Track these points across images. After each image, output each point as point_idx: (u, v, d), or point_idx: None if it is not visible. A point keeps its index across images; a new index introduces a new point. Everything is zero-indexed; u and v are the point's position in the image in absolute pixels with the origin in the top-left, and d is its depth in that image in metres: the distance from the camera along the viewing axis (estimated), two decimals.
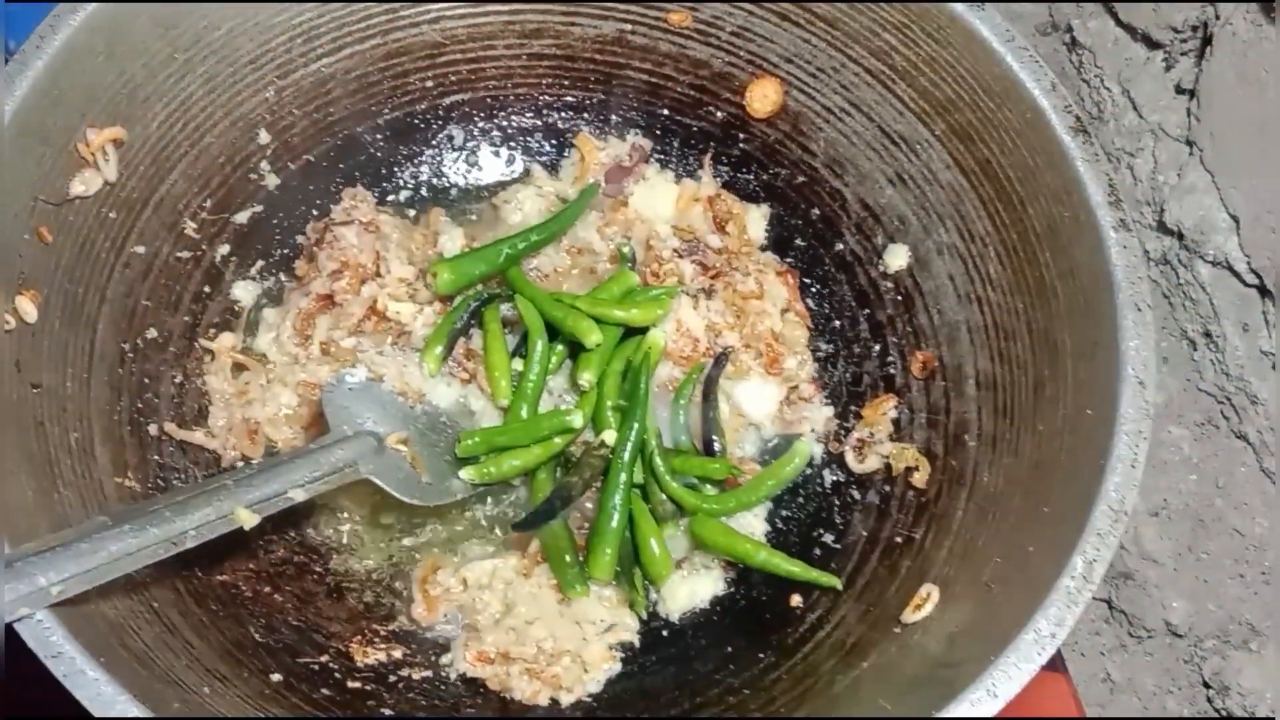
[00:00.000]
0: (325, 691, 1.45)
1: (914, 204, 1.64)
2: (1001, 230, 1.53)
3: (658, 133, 1.82)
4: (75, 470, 1.42)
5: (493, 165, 1.85)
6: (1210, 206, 1.77)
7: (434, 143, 1.82)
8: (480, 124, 1.83)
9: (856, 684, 1.39)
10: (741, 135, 1.78)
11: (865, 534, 1.59)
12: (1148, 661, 1.95)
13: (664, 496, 1.59)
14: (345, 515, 1.65)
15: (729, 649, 1.55)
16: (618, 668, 1.55)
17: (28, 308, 1.40)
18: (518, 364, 1.64)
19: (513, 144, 1.85)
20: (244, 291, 1.70)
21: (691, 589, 1.60)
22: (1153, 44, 1.93)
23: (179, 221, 1.61)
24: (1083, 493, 1.31)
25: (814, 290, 1.76)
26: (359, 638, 1.54)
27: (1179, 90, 1.89)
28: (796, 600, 1.56)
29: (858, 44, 1.62)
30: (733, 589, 1.62)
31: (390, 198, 1.81)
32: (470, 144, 1.84)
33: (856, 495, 1.64)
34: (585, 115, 1.83)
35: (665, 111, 1.80)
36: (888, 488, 1.61)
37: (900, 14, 1.57)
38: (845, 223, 1.71)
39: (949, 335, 1.61)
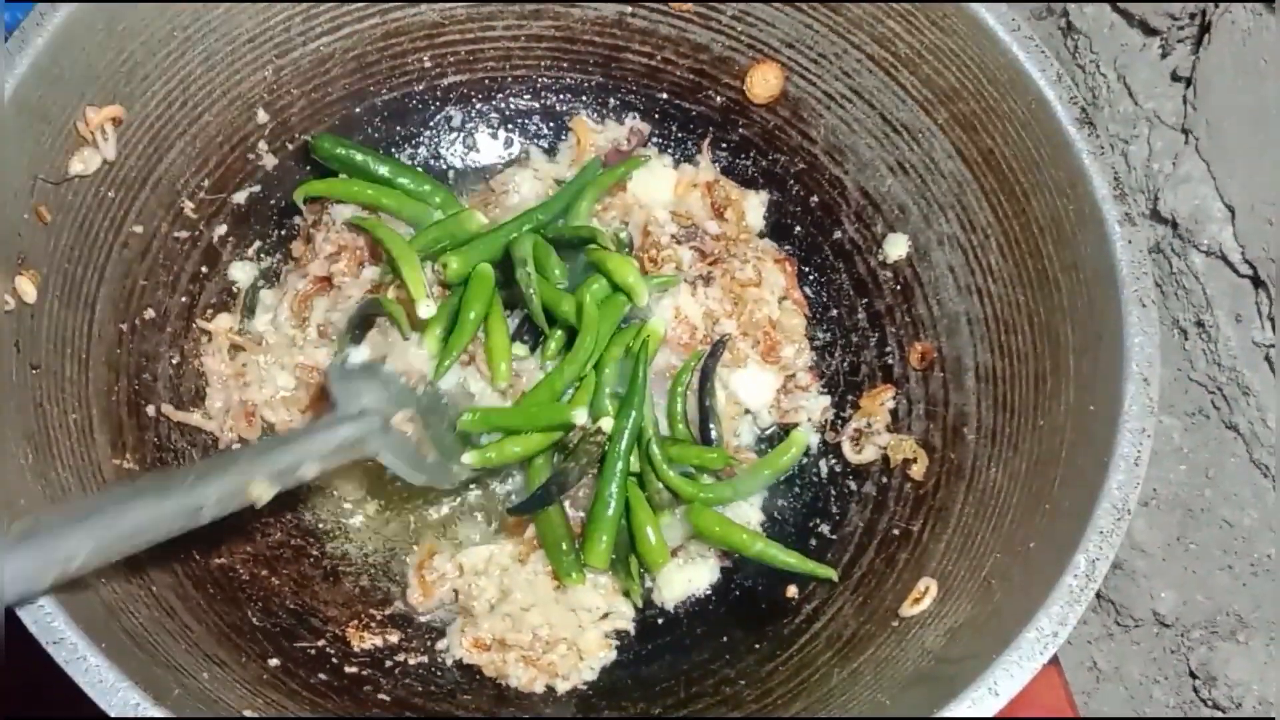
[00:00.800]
0: (322, 676, 1.45)
1: (915, 193, 1.63)
2: (1004, 221, 1.53)
3: (656, 116, 1.81)
4: (74, 451, 1.41)
5: (490, 147, 1.85)
6: (1205, 195, 1.77)
7: (431, 124, 1.81)
8: (478, 105, 1.82)
9: (854, 678, 1.39)
10: (741, 120, 1.77)
11: (862, 525, 1.59)
12: (1135, 651, 1.96)
13: (660, 485, 1.58)
14: (340, 498, 1.64)
15: (724, 639, 1.56)
16: (613, 656, 1.56)
17: (27, 288, 1.39)
18: (519, 349, 1.63)
19: (510, 126, 1.84)
20: (241, 272, 1.70)
21: (687, 578, 1.60)
22: (1150, 30, 1.92)
23: (177, 201, 1.61)
24: (1085, 490, 1.31)
25: (812, 279, 1.76)
26: (355, 622, 1.54)
27: (1175, 78, 1.89)
28: (792, 591, 1.56)
29: (861, 30, 1.61)
30: (728, 578, 1.62)
31: None
32: (468, 125, 1.83)
33: (853, 486, 1.64)
34: (584, 98, 1.82)
35: (664, 95, 1.79)
36: (885, 479, 1.61)
37: (905, 1, 1.56)
38: (845, 211, 1.71)
39: (948, 327, 1.60)
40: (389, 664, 1.51)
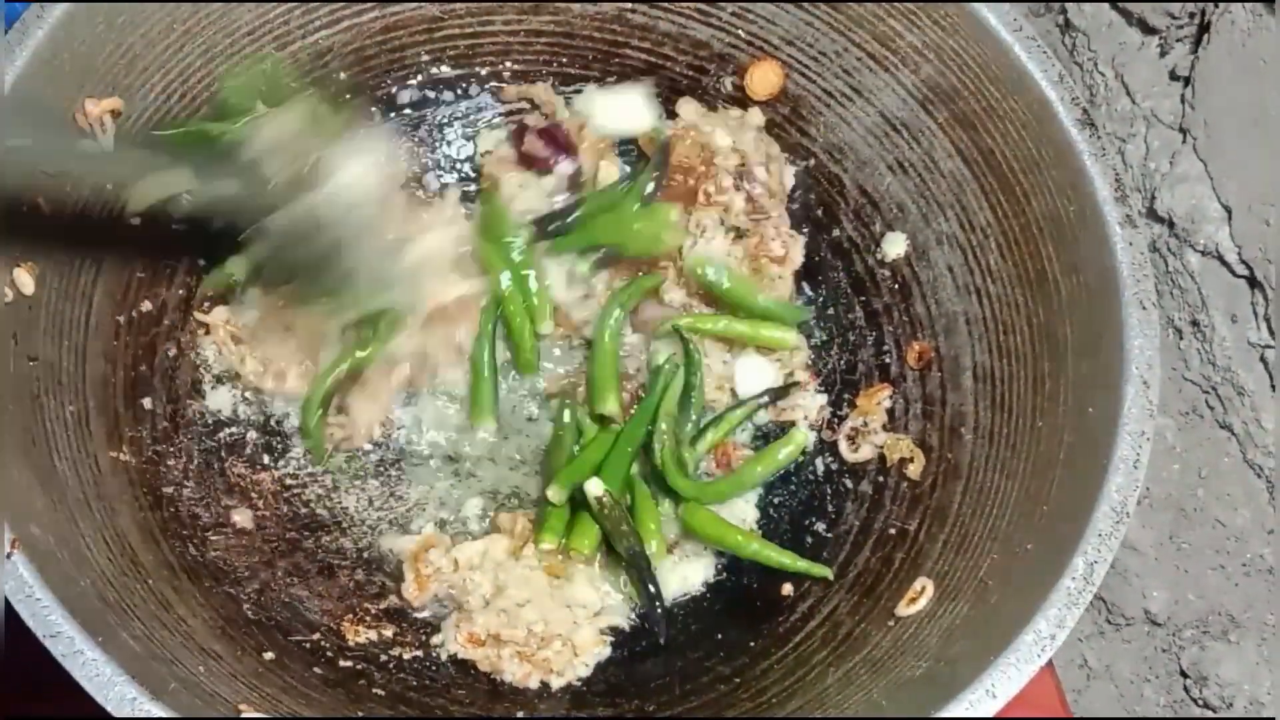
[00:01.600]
0: (317, 670, 1.45)
1: (914, 192, 1.63)
2: (1003, 222, 1.53)
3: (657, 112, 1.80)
4: (70, 443, 1.41)
5: (489, 140, 1.83)
6: (1202, 195, 1.77)
7: (430, 117, 1.80)
8: (477, 99, 1.81)
9: (849, 677, 1.39)
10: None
11: (858, 524, 1.59)
12: (1126, 649, 1.96)
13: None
14: (335, 485, 1.65)
15: (719, 636, 1.55)
16: (608, 652, 1.55)
17: (25, 280, 1.39)
18: None
19: (510, 120, 1.83)
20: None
21: (682, 575, 1.60)
22: (1149, 29, 1.92)
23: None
24: (1083, 492, 1.31)
25: (809, 276, 1.75)
26: (350, 616, 1.54)
27: (1174, 77, 1.89)
28: (788, 589, 1.56)
29: (861, 28, 1.61)
30: (723, 575, 1.62)
31: None
32: (467, 120, 1.82)
33: (849, 484, 1.64)
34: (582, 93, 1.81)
35: (663, 92, 1.78)
36: (881, 478, 1.61)
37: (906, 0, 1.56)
38: (843, 209, 1.71)
39: (946, 326, 1.60)
40: (384, 658, 1.51)
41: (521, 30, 1.75)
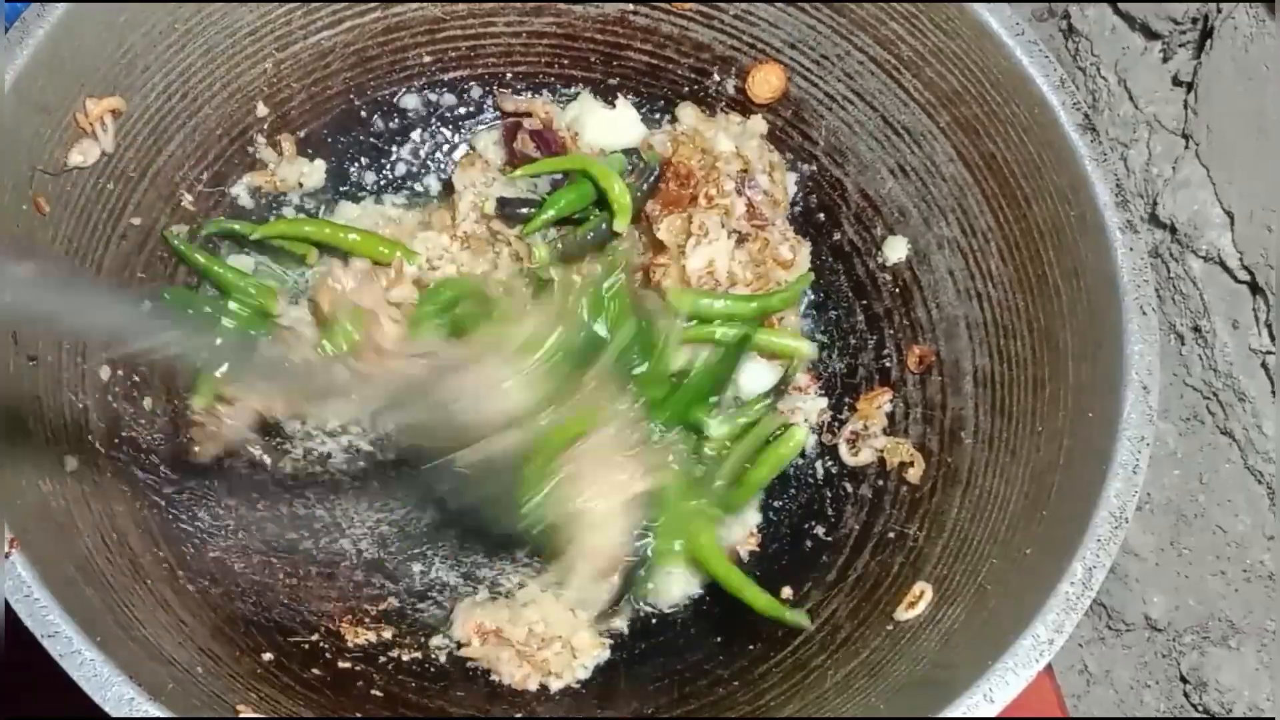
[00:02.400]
0: (316, 671, 1.45)
1: (915, 196, 1.63)
2: (1004, 226, 1.53)
3: (656, 116, 1.80)
4: (70, 444, 1.41)
5: (484, 140, 1.82)
6: (1204, 201, 1.77)
7: (432, 119, 1.81)
8: (479, 101, 1.81)
9: (848, 681, 1.39)
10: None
11: (858, 528, 1.59)
12: (1126, 654, 1.96)
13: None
14: (336, 485, 1.65)
15: (718, 639, 1.56)
16: (606, 655, 1.56)
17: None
18: None
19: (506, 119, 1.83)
20: (240, 264, 1.69)
21: (682, 578, 1.60)
22: (1151, 34, 1.92)
23: (176, 193, 1.60)
24: (1083, 497, 1.31)
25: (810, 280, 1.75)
26: (349, 617, 1.54)
27: (1176, 82, 1.89)
28: (787, 593, 1.57)
29: (864, 32, 1.61)
30: None
31: (385, 173, 1.80)
32: (469, 121, 1.82)
33: (849, 488, 1.64)
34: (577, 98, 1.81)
35: (665, 94, 1.78)
36: (881, 482, 1.61)
37: (908, 4, 1.55)
38: (844, 212, 1.71)
39: (947, 330, 1.60)
40: (382, 660, 1.51)
41: (524, 32, 1.75)
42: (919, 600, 1.42)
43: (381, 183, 1.80)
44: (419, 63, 1.75)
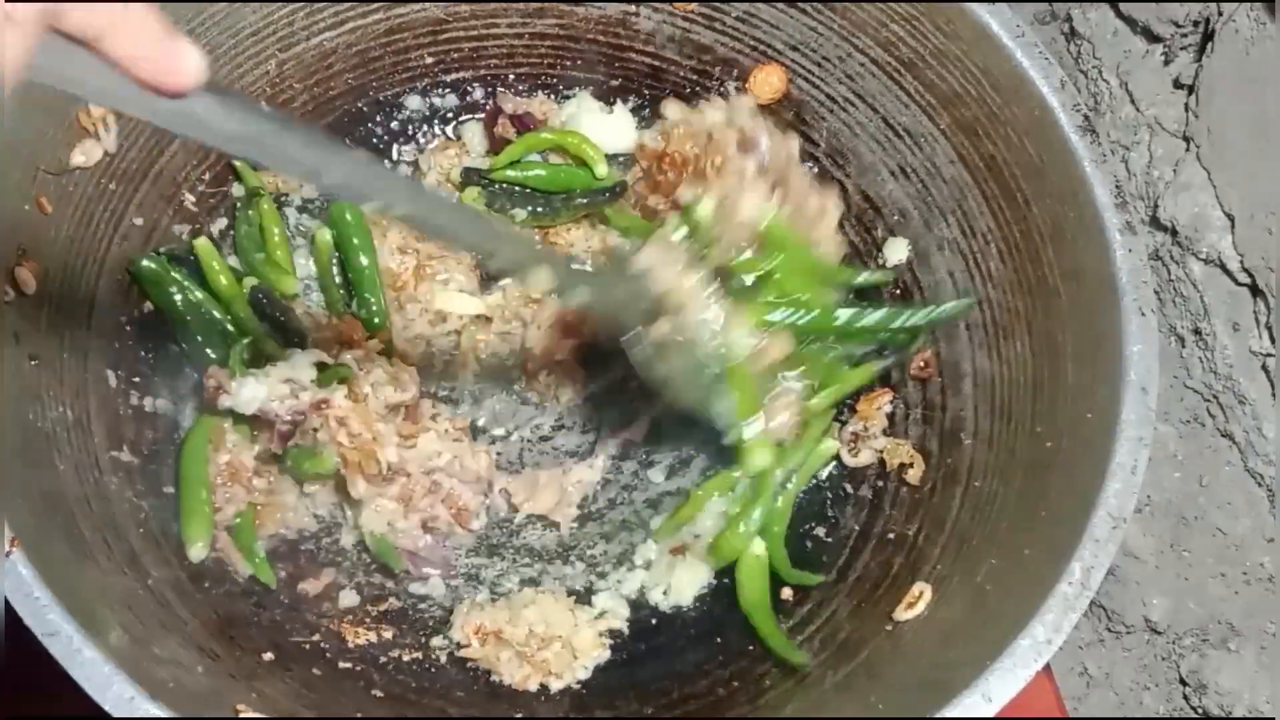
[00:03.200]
0: (316, 671, 1.45)
1: (916, 198, 1.63)
2: (1004, 228, 1.53)
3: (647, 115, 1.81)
4: (72, 443, 1.42)
5: (470, 131, 1.83)
6: (1205, 204, 1.77)
7: (435, 120, 1.81)
8: (482, 103, 1.81)
9: (847, 681, 1.40)
10: None
11: (857, 529, 1.59)
12: (1126, 657, 1.96)
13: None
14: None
15: (718, 639, 1.55)
16: (607, 655, 1.55)
17: (27, 278, 1.39)
18: None
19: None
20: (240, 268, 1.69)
21: (682, 579, 1.60)
22: (1153, 37, 1.92)
23: (178, 194, 1.61)
24: (1081, 497, 1.31)
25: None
26: (350, 617, 1.54)
27: (1178, 85, 1.89)
28: (787, 594, 1.56)
29: (865, 34, 1.61)
30: (723, 579, 1.61)
31: None
32: (471, 122, 1.82)
33: (849, 489, 1.64)
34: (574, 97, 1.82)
35: (667, 95, 1.78)
36: (881, 483, 1.61)
37: (910, 5, 1.55)
38: (845, 214, 1.70)
39: (946, 332, 1.60)
40: (383, 660, 1.51)
41: (526, 34, 1.75)
42: (918, 600, 1.42)
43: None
44: (421, 64, 1.75)
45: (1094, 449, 1.33)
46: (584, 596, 1.60)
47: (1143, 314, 1.36)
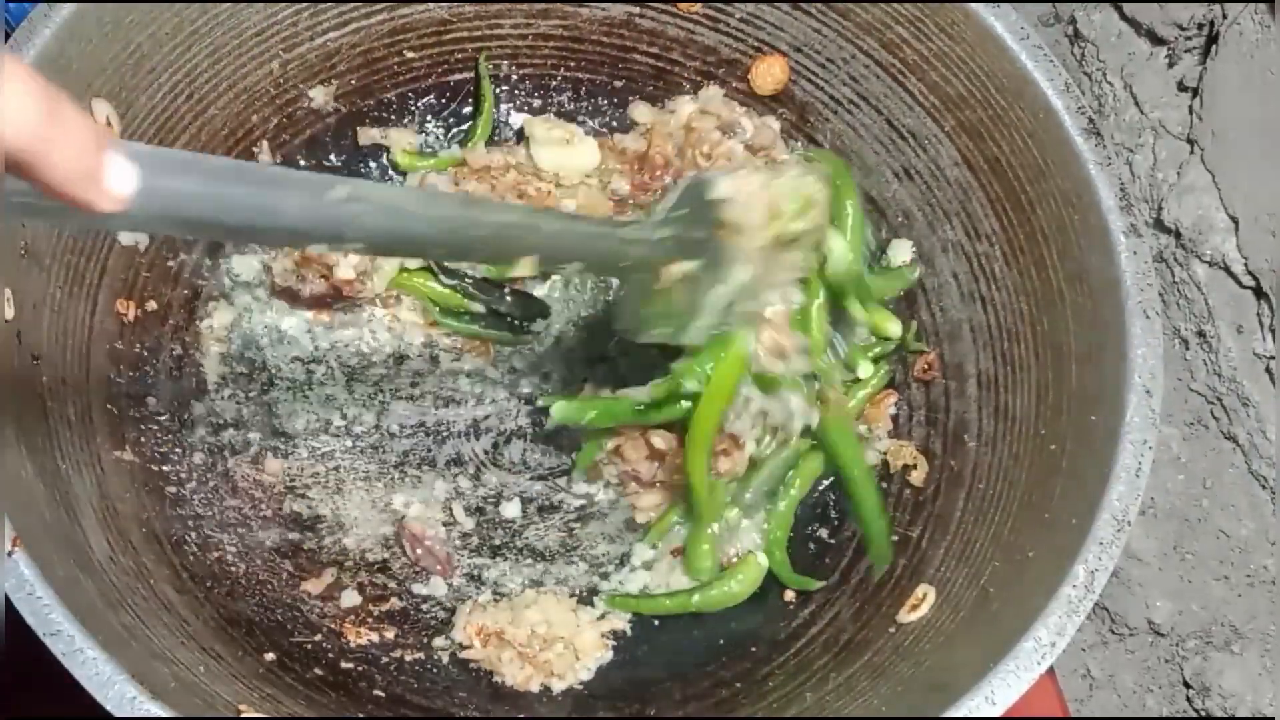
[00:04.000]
0: (318, 671, 1.45)
1: (920, 200, 1.63)
2: (1009, 230, 1.53)
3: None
4: (74, 443, 1.41)
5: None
6: (1209, 206, 1.77)
7: (437, 121, 1.81)
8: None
9: (850, 683, 1.39)
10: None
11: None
12: (1129, 659, 1.96)
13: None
14: (338, 486, 1.65)
15: (721, 641, 1.55)
16: (609, 656, 1.55)
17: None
18: None
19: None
20: (243, 265, 1.69)
21: (683, 579, 1.60)
22: (1157, 40, 1.92)
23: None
24: (1085, 500, 1.31)
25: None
26: (351, 617, 1.54)
27: (1182, 88, 1.89)
28: (790, 595, 1.56)
29: (869, 36, 1.61)
30: None
31: (389, 174, 1.80)
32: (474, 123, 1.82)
33: None
34: (591, 98, 1.82)
35: (670, 96, 1.78)
36: (885, 485, 1.61)
37: (914, 7, 1.55)
38: None
39: (951, 333, 1.60)
40: (385, 660, 1.51)
41: (530, 34, 1.75)
42: (921, 603, 1.42)
43: (386, 183, 1.79)
44: (425, 64, 1.75)
45: (1098, 451, 1.33)
46: (586, 597, 1.60)
47: (1147, 316, 1.36)
